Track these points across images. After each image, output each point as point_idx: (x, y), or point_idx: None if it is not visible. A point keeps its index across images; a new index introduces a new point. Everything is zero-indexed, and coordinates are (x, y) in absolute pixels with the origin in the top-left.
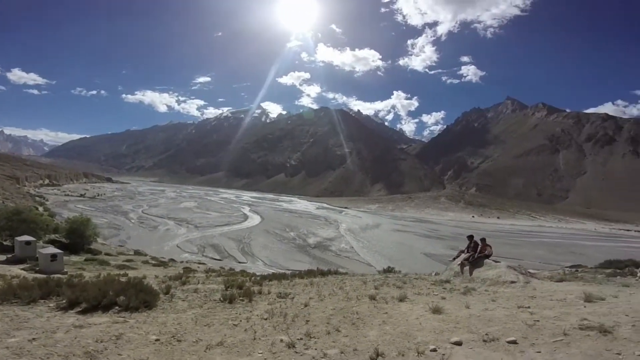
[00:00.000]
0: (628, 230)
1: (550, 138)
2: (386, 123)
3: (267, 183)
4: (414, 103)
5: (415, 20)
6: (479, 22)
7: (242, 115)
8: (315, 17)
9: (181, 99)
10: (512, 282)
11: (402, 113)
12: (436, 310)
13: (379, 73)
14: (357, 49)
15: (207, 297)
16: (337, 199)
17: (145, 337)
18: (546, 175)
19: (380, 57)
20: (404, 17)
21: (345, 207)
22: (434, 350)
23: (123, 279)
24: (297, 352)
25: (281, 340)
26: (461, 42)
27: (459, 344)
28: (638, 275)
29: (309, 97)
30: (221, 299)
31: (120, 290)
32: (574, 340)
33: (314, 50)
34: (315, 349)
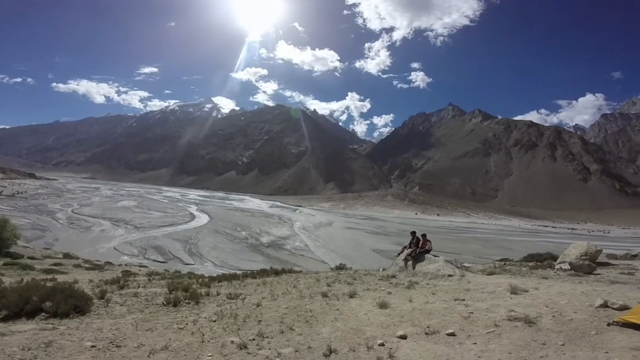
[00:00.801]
0: (546, 226)
1: (484, 142)
2: (340, 123)
3: (217, 181)
4: (367, 105)
5: (374, 25)
6: (431, 31)
7: (191, 109)
8: (279, 14)
9: (122, 89)
10: (450, 275)
11: (355, 114)
12: (383, 305)
13: (336, 74)
14: (317, 49)
15: (149, 301)
16: (292, 198)
17: (79, 343)
18: (479, 176)
19: (339, 58)
20: (364, 20)
21: (299, 206)
22: (382, 344)
23: (50, 284)
24: (249, 353)
25: (232, 342)
26: (413, 48)
27: (404, 337)
28: (555, 267)
29: (265, 93)
30: (164, 302)
31: (46, 295)
32: (504, 331)
33: (274, 46)
34: (269, 349)
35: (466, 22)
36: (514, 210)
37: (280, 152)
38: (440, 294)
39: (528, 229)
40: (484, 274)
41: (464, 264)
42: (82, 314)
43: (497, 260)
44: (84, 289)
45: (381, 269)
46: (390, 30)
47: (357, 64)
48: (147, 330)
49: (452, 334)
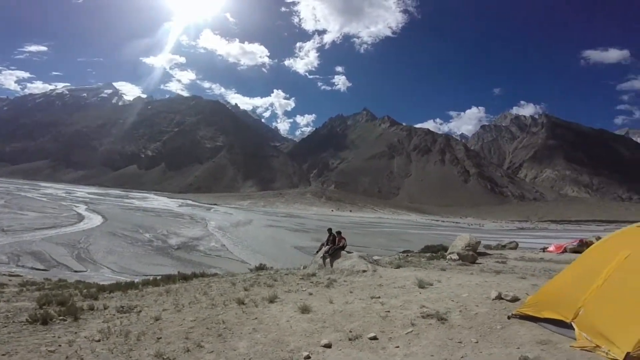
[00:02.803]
0: (437, 220)
1: (389, 146)
2: (263, 120)
3: (113, 177)
4: (291, 103)
5: (309, 25)
6: (358, 37)
7: (85, 94)
8: (210, 1)
9: None
10: (364, 271)
11: (279, 112)
12: (305, 310)
13: (263, 70)
14: (246, 42)
15: (9, 318)
16: (205, 196)
17: None
18: (384, 176)
19: (269, 54)
20: (300, 20)
21: (215, 204)
22: (308, 357)
23: None
24: None
25: None
26: (340, 53)
27: (328, 346)
28: (447, 257)
29: (180, 82)
30: (29, 319)
31: None
32: (422, 330)
33: (197, 35)
34: None
35: (389, 33)
36: (412, 207)
37: (193, 146)
38: (357, 291)
39: (423, 223)
40: (392, 267)
41: (374, 257)
42: None
43: (400, 252)
44: None
45: (302, 267)
46: (322, 32)
47: (287, 62)
48: (2, 355)
49: (375, 338)
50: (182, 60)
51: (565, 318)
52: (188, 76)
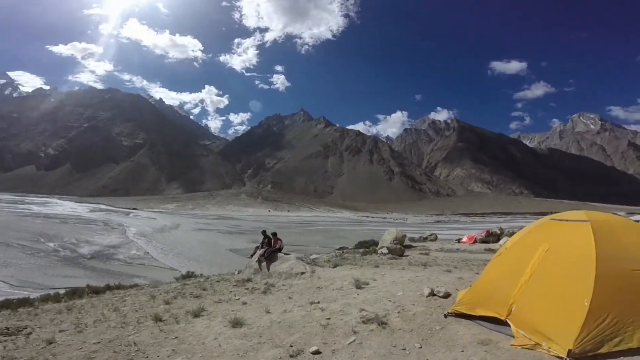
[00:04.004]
0: (367, 216)
1: (324, 146)
2: (191, 117)
3: (3, 179)
4: (224, 101)
5: (250, 22)
6: (300, 38)
7: None
8: None
9: None
10: (302, 273)
11: (211, 109)
12: (237, 323)
13: (195, 64)
14: (178, 35)
15: None
16: (122, 199)
17: None
18: (320, 175)
19: (202, 48)
20: (241, 15)
21: (134, 208)
22: None
23: None
24: None
25: None
26: (281, 52)
27: None
28: (378, 252)
29: (93, 74)
30: None
31: None
32: (364, 338)
33: (121, 23)
34: None
35: (329, 35)
36: (345, 204)
37: (107, 144)
38: (296, 296)
39: (355, 219)
40: (330, 267)
41: (312, 256)
42: None
43: (336, 249)
44: None
45: (236, 272)
46: (264, 30)
47: (222, 58)
48: None
49: (318, 352)
50: (99, 50)
51: (499, 315)
52: (104, 67)
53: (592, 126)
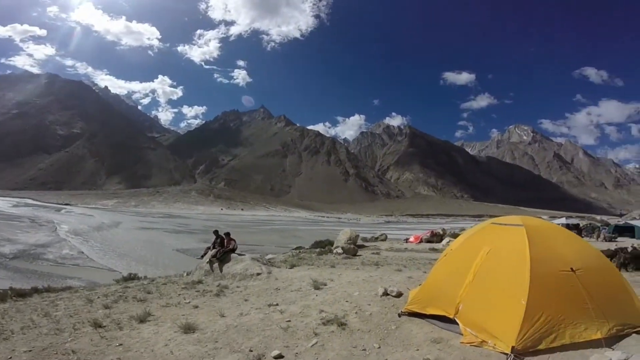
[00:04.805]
0: (323, 216)
1: (283, 145)
2: (140, 107)
3: None
4: (178, 92)
5: (216, 14)
6: (267, 35)
7: None
8: None
9: None
10: (258, 274)
11: (162, 100)
12: (189, 328)
13: (149, 52)
14: (135, 21)
15: None
16: (54, 194)
17: None
18: (277, 174)
19: (160, 37)
20: (207, 7)
21: (67, 204)
22: None
23: None
24: None
25: None
26: (245, 47)
27: None
28: (334, 251)
29: (31, 57)
30: None
31: None
32: (326, 340)
33: (73, 7)
34: None
35: (297, 35)
36: (302, 204)
37: (39, 133)
38: (252, 298)
39: (312, 219)
40: (287, 267)
41: (268, 256)
42: None
43: (293, 249)
44: None
45: (185, 274)
46: (230, 23)
47: (180, 48)
48: None
49: (280, 356)
50: (43, 32)
51: (448, 314)
52: (45, 51)
53: (525, 137)
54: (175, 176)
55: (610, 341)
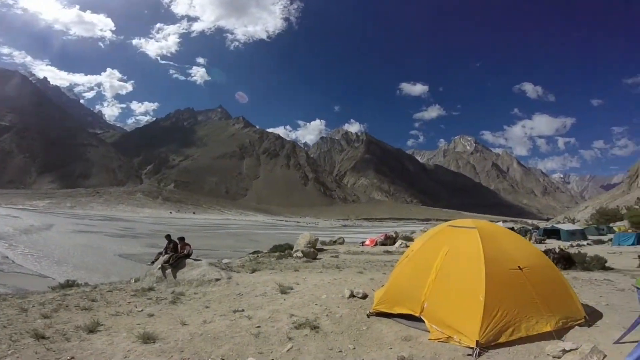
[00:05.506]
0: (281, 220)
1: (241, 147)
2: (82, 101)
3: None
4: (128, 87)
5: (180, 9)
6: (232, 34)
7: None
8: None
9: None
10: (217, 279)
11: (109, 94)
12: (148, 338)
13: (100, 44)
14: (89, 11)
15: None
16: None
17: None
18: (233, 176)
19: (114, 29)
20: (171, 0)
21: None
22: None
23: None
24: None
25: None
26: (206, 45)
27: None
28: (294, 255)
29: None
30: None
31: None
32: (301, 344)
33: None
34: None
35: (264, 36)
36: (260, 207)
37: None
38: (214, 305)
39: (270, 223)
40: (248, 272)
41: (224, 260)
42: None
43: (250, 253)
44: None
45: (132, 280)
46: (193, 19)
47: (135, 42)
48: None
49: None
50: None
51: (414, 312)
52: None
53: (468, 147)
54: (119, 176)
55: (559, 333)
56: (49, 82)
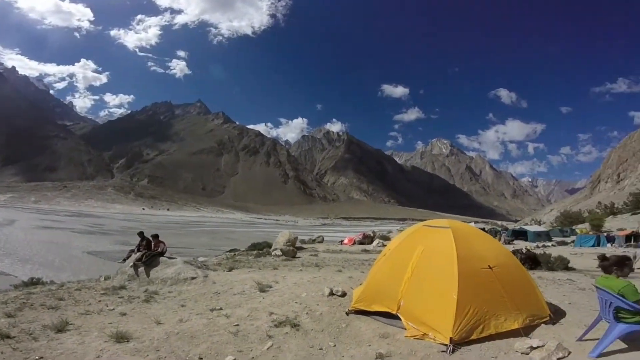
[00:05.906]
0: (260, 218)
1: (219, 142)
2: (52, 91)
3: None
4: (102, 78)
5: (163, 1)
6: (216, 28)
7: None
8: None
9: None
10: (193, 278)
11: (82, 85)
12: (122, 337)
13: (76, 34)
14: (67, 1)
15: None
16: None
17: None
18: (211, 173)
19: (93, 19)
20: None
21: None
22: None
23: None
24: None
25: None
26: (188, 38)
27: None
28: (272, 254)
29: None
30: None
31: None
32: (281, 342)
33: None
34: None
35: (249, 32)
36: (238, 205)
37: None
38: (190, 304)
39: (247, 221)
40: (225, 270)
41: (200, 258)
42: None
43: (227, 251)
44: None
45: (102, 279)
46: (177, 12)
47: (113, 32)
48: None
49: None
50: None
51: (391, 310)
52: None
53: (444, 150)
54: (88, 170)
55: (526, 330)
56: (17, 71)
